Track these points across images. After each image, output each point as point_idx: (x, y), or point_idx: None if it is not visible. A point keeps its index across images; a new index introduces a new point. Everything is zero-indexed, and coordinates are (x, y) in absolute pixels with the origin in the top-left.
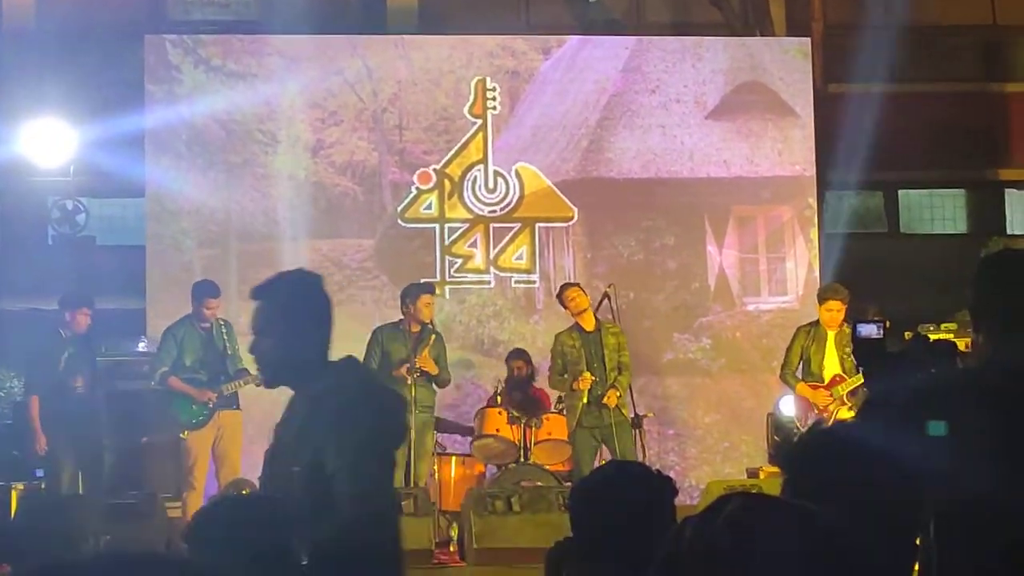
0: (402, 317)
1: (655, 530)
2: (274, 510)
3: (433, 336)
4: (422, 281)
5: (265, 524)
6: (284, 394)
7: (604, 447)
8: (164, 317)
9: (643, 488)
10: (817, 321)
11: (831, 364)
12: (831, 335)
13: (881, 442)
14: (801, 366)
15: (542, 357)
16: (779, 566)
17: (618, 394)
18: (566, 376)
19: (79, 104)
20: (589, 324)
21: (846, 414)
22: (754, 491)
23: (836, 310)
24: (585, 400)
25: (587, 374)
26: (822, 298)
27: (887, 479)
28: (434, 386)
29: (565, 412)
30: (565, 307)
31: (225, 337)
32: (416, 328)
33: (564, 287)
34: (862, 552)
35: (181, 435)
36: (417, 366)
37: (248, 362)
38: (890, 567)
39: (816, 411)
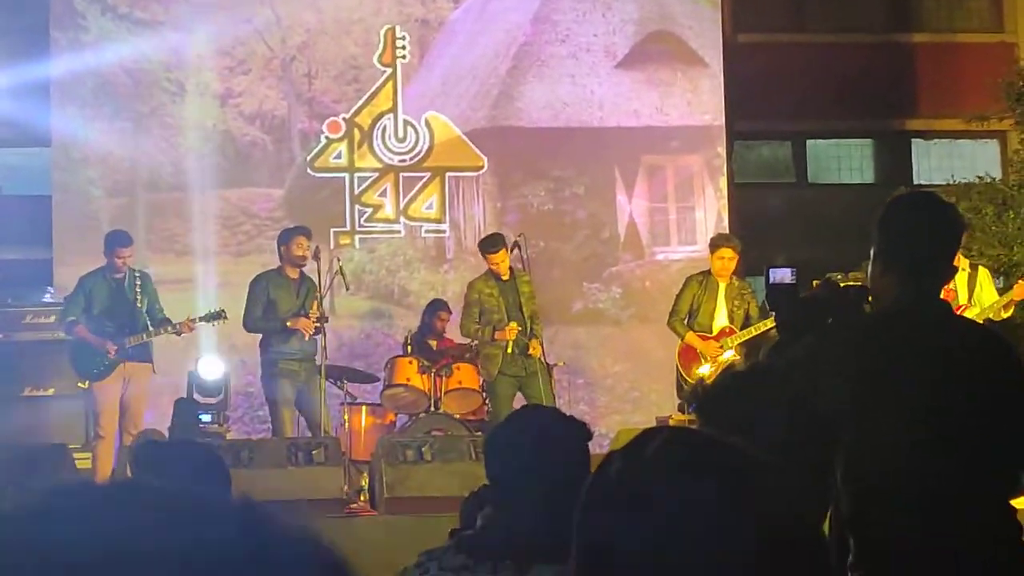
0: (280, 264)
1: (570, 474)
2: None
3: (312, 286)
4: (296, 225)
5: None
6: (192, 346)
7: (521, 394)
8: (70, 267)
9: (557, 431)
10: (708, 271)
11: (720, 315)
12: (722, 286)
13: (793, 384)
14: (690, 315)
15: (451, 306)
16: (706, 500)
17: (540, 343)
18: (483, 325)
19: None
20: (504, 273)
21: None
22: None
23: (728, 258)
24: (510, 350)
25: (513, 324)
26: (715, 245)
27: (802, 420)
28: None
29: (480, 360)
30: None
31: (139, 288)
32: (295, 274)
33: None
34: (788, 489)
35: (80, 384)
36: (316, 316)
37: (169, 312)
38: (809, 507)
39: (704, 361)
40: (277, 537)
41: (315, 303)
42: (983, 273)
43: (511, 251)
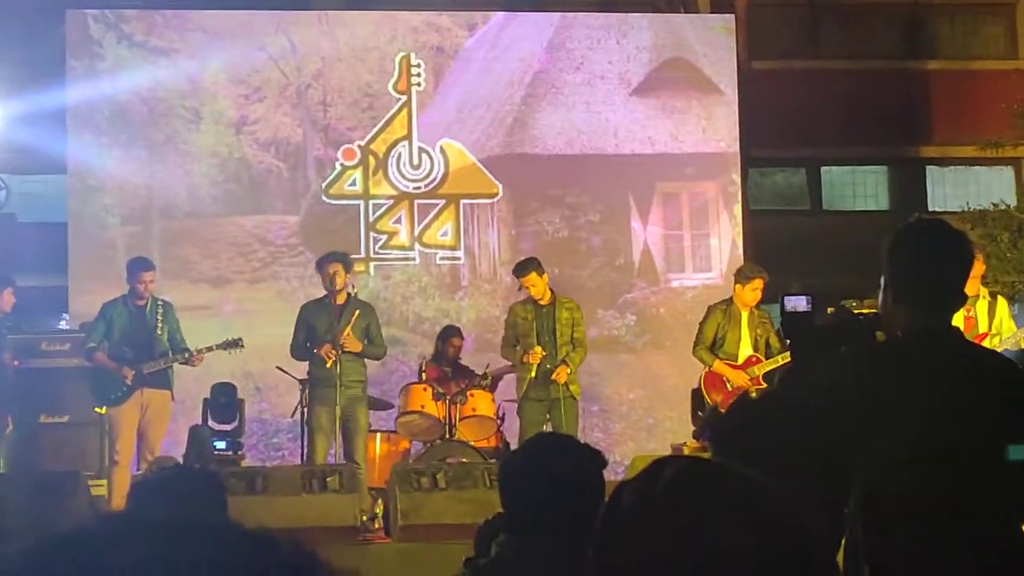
0: (326, 292)
1: (585, 502)
2: (207, 482)
3: (357, 311)
4: (334, 251)
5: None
6: (208, 373)
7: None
8: (86, 294)
9: (572, 460)
10: (730, 299)
11: (745, 344)
12: (744, 315)
13: (807, 412)
14: (714, 344)
15: (466, 333)
16: (720, 530)
17: (568, 370)
18: (517, 348)
19: None
20: (541, 297)
21: None
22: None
23: (760, 288)
24: (533, 374)
25: (538, 348)
26: (747, 277)
27: (814, 447)
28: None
29: (516, 382)
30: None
31: (160, 316)
32: (341, 300)
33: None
34: (801, 520)
35: (97, 409)
36: (340, 343)
37: (190, 341)
38: (824, 536)
39: (730, 387)
40: (279, 564)
41: (347, 328)
42: (1002, 303)
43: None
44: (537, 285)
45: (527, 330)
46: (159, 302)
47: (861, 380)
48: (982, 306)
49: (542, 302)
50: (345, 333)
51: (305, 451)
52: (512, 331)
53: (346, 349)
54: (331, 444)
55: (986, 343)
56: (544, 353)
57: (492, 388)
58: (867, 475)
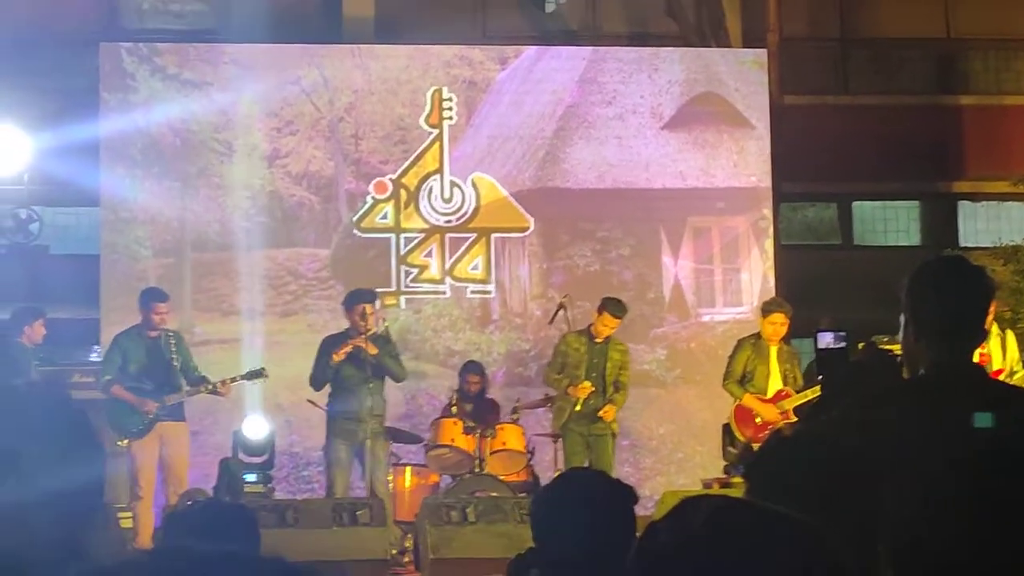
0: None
1: (616, 537)
2: (241, 516)
3: (378, 334)
4: (362, 289)
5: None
6: (238, 406)
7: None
8: (118, 326)
9: (603, 495)
10: (758, 335)
11: (775, 379)
12: (773, 350)
13: (839, 450)
14: (743, 378)
15: (496, 367)
16: (756, 569)
17: (615, 410)
18: (562, 377)
19: (33, 112)
20: (601, 335)
21: None
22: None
23: (780, 323)
24: (579, 408)
25: (587, 383)
26: (766, 311)
27: (849, 485)
28: (387, 379)
29: (554, 410)
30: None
31: (173, 348)
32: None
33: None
34: (835, 558)
35: (119, 443)
36: (353, 344)
37: (204, 370)
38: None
39: (759, 422)
40: None
41: (363, 337)
42: (1011, 337)
43: (556, 312)
44: (608, 325)
45: (577, 362)
46: (170, 333)
47: (885, 419)
48: (995, 342)
49: (597, 339)
50: (362, 338)
51: (326, 485)
52: (561, 359)
53: (359, 344)
54: (350, 478)
55: (1002, 379)
56: (592, 389)
57: (520, 423)
58: (890, 515)
